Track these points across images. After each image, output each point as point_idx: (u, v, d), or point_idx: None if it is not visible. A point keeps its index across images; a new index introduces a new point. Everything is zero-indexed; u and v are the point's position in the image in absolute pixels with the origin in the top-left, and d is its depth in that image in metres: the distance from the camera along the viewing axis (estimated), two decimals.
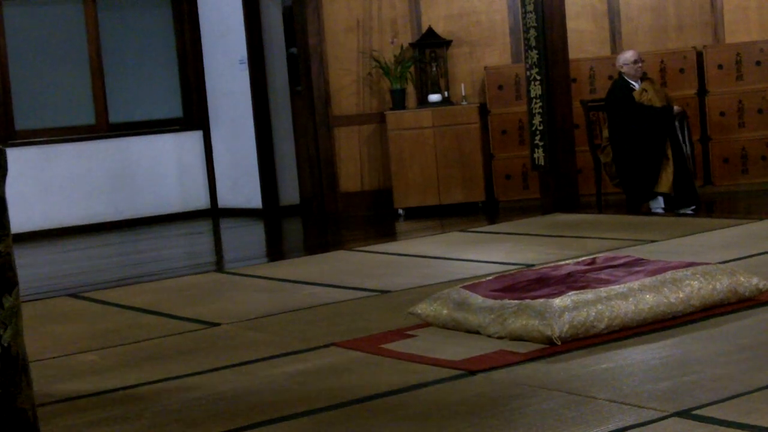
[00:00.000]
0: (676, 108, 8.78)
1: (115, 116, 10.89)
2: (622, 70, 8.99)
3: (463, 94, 9.89)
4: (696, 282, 4.74)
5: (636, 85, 8.92)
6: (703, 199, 9.08)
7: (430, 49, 9.98)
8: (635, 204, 8.86)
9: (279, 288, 6.42)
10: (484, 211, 9.74)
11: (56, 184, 10.46)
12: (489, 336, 4.54)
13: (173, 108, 11.26)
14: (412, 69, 9.96)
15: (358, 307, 5.59)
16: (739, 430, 3.17)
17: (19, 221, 9.73)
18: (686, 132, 8.82)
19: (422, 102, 9.98)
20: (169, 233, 10.09)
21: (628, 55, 8.97)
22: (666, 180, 8.62)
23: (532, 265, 6.15)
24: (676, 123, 8.72)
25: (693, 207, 8.63)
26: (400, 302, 5.50)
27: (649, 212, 8.70)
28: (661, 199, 8.73)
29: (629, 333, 4.45)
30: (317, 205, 10.33)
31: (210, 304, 6.03)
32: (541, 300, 4.50)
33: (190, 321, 5.58)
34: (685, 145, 8.78)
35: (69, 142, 10.55)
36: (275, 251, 8.91)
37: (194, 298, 6.29)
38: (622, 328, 4.47)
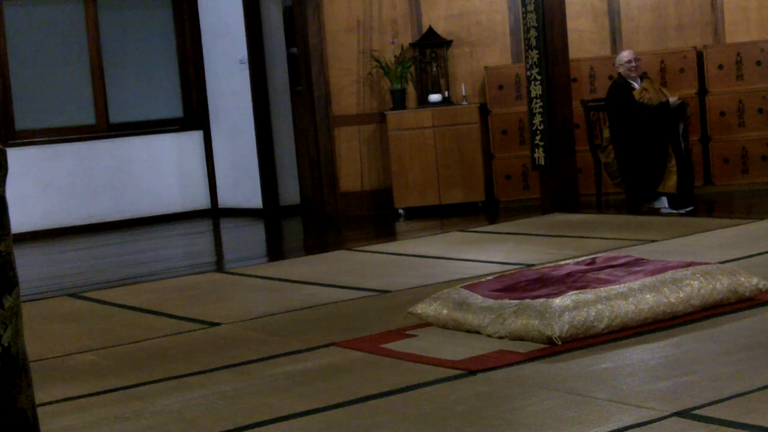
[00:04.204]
0: (672, 100, 8.75)
1: (115, 116, 10.89)
2: (619, 70, 9.02)
3: (464, 94, 9.89)
4: (696, 282, 4.74)
5: (636, 85, 8.93)
6: (703, 199, 9.09)
7: (430, 49, 9.98)
8: (636, 204, 8.87)
9: (279, 288, 6.42)
10: (484, 211, 9.74)
11: (56, 183, 10.46)
12: (489, 336, 4.54)
13: (173, 108, 11.27)
14: (412, 69, 9.96)
15: (358, 307, 5.59)
16: (738, 429, 3.17)
17: (19, 221, 9.73)
18: (685, 126, 8.83)
19: (422, 102, 9.98)
20: (169, 233, 10.09)
21: (623, 55, 9.02)
22: (671, 180, 8.63)
23: (532, 265, 6.15)
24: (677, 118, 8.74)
25: (690, 208, 8.63)
26: (400, 302, 5.50)
27: (648, 212, 8.70)
28: (664, 199, 8.73)
29: (629, 333, 4.45)
30: (317, 205, 10.33)
31: (210, 304, 6.03)
32: (541, 300, 4.50)
33: (190, 321, 5.58)
34: (683, 141, 8.79)
35: (69, 141, 10.56)
36: (275, 251, 8.91)
37: (194, 298, 6.29)
38: (622, 327, 4.47)
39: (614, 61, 9.20)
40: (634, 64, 8.94)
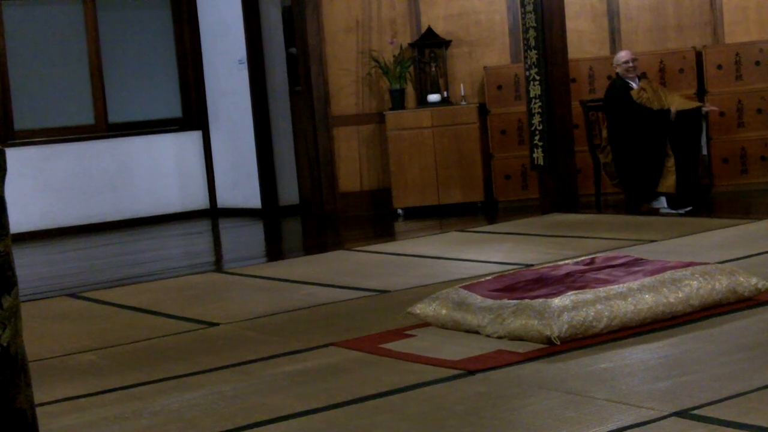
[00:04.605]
0: (672, 111, 8.74)
1: (114, 116, 10.89)
2: (617, 71, 9.02)
3: (463, 94, 9.89)
4: (695, 282, 4.74)
5: (634, 85, 8.94)
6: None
7: (429, 49, 9.98)
8: (635, 204, 8.87)
9: (278, 288, 6.42)
10: (483, 211, 9.74)
11: (55, 184, 10.46)
12: (488, 336, 4.54)
13: (172, 108, 11.26)
14: (411, 69, 9.96)
15: (357, 307, 5.59)
16: (737, 429, 3.17)
17: (18, 221, 9.73)
18: (705, 129, 8.85)
19: (421, 102, 9.98)
20: (169, 233, 10.09)
21: (620, 56, 9.03)
22: (669, 179, 8.62)
23: (531, 265, 6.15)
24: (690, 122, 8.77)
25: (689, 208, 8.64)
26: (399, 302, 5.50)
27: (648, 212, 8.71)
28: (663, 199, 8.74)
29: (628, 333, 4.45)
30: (316, 205, 10.33)
31: (209, 304, 6.03)
32: (540, 300, 4.50)
33: (189, 321, 5.58)
34: (703, 145, 8.81)
35: (68, 142, 10.55)
36: (274, 251, 8.91)
37: (193, 298, 6.29)
38: (621, 328, 4.47)
39: (612, 62, 9.20)
40: (631, 64, 8.94)
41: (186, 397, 4.05)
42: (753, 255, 6.13)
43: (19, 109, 10.43)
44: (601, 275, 4.92)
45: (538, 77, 9.19)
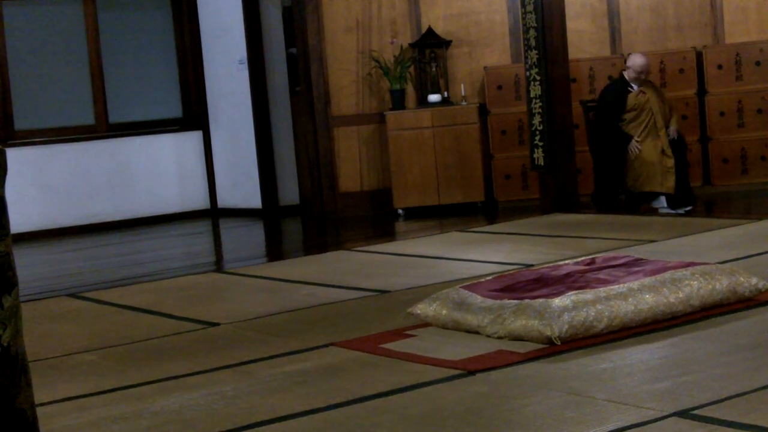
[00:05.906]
0: (671, 131, 8.79)
1: (114, 116, 10.89)
2: (627, 73, 8.96)
3: (463, 94, 9.89)
4: (695, 282, 4.74)
5: (635, 87, 8.92)
6: (702, 199, 9.09)
7: (429, 49, 9.98)
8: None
9: (278, 288, 6.42)
10: (483, 211, 9.74)
11: (55, 184, 10.46)
12: (488, 336, 4.54)
13: (173, 108, 11.26)
14: (411, 69, 9.96)
15: (357, 307, 5.59)
16: (738, 429, 3.17)
17: (18, 221, 9.72)
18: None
19: (422, 102, 9.98)
20: (169, 233, 10.09)
21: (638, 61, 8.87)
22: (669, 180, 8.63)
23: (532, 266, 6.16)
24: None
25: (688, 207, 8.65)
26: (400, 302, 5.50)
27: (648, 212, 8.71)
28: (663, 199, 8.74)
29: (628, 333, 4.45)
30: (316, 205, 10.32)
31: (209, 304, 6.03)
32: (541, 300, 4.50)
33: (189, 321, 5.58)
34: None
35: (68, 142, 10.55)
36: (274, 251, 8.91)
37: (193, 298, 6.29)
38: (621, 328, 4.47)
39: (625, 61, 9.08)
40: (644, 75, 8.91)
41: (186, 397, 4.05)
42: (753, 255, 6.13)
43: (19, 109, 10.43)
44: (602, 275, 4.92)
45: (538, 77, 9.19)
